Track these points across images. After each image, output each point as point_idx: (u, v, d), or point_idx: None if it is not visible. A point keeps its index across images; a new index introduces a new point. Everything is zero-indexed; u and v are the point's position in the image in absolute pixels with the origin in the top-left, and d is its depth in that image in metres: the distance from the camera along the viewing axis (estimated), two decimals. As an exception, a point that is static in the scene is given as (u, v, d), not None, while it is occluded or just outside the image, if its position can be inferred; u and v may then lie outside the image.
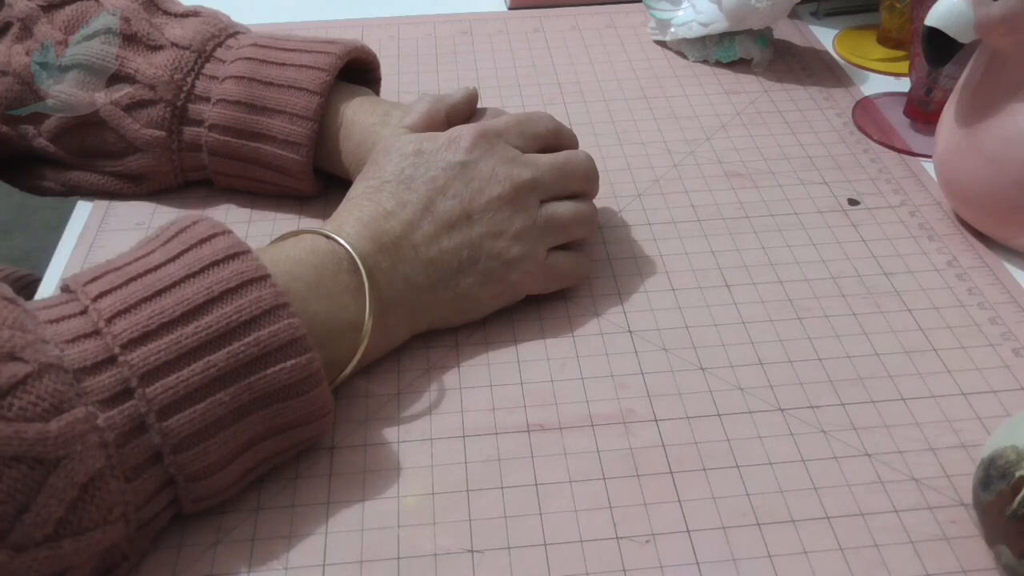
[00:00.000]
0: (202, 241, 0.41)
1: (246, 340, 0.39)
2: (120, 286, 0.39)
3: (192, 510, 0.40)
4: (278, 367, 0.39)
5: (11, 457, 0.33)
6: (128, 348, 0.37)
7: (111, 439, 0.36)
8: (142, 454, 0.37)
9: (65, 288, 0.40)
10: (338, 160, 0.57)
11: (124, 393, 0.37)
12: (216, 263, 0.40)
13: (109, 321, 0.37)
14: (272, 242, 0.47)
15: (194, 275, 0.39)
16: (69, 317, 0.38)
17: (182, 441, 0.37)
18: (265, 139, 0.56)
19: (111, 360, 0.37)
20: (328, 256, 0.44)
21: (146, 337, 0.37)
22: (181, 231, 0.42)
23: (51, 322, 0.38)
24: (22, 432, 0.34)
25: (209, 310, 0.39)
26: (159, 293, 0.39)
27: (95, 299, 0.38)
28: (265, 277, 0.40)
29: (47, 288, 0.53)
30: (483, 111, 0.55)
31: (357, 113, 0.56)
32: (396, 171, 0.48)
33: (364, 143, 0.55)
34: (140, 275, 0.39)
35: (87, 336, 0.37)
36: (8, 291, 0.38)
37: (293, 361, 0.39)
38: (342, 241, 0.45)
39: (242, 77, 0.56)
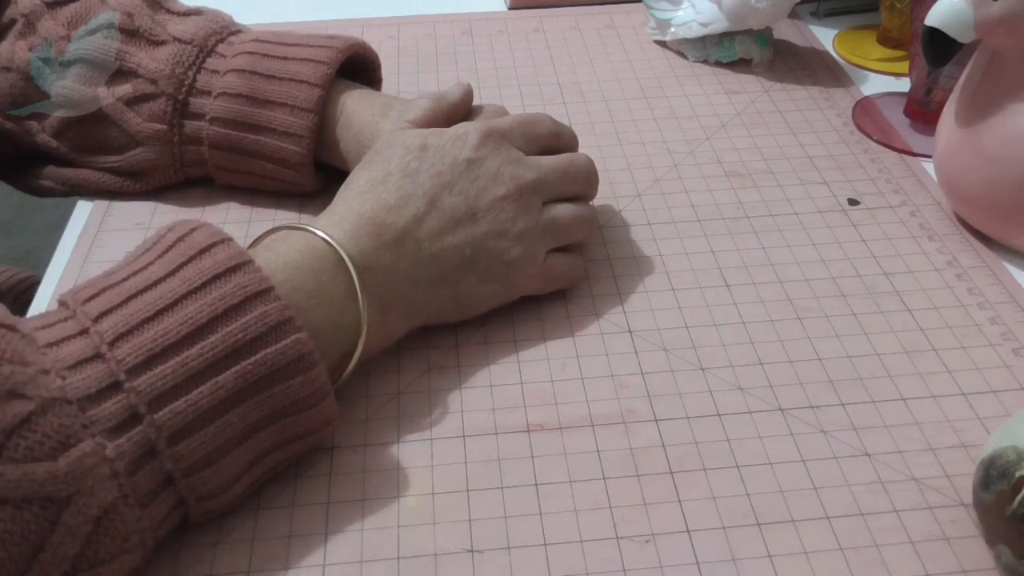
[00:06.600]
0: (201, 252, 0.40)
1: (254, 359, 0.38)
2: (120, 305, 0.38)
3: (200, 521, 0.40)
4: (286, 384, 0.39)
5: (21, 499, 0.33)
6: (133, 373, 0.36)
7: (121, 468, 0.35)
8: (154, 479, 0.37)
9: (63, 303, 0.39)
10: (336, 150, 0.57)
11: (132, 419, 0.36)
12: (218, 276, 0.39)
13: (112, 345, 0.37)
14: (266, 235, 0.45)
15: (196, 290, 0.38)
16: (69, 339, 0.37)
17: (194, 464, 0.37)
18: (266, 131, 0.56)
19: (116, 386, 0.36)
20: (326, 259, 0.44)
21: (151, 361, 0.37)
22: (179, 239, 0.41)
23: (50, 345, 0.37)
24: (31, 473, 0.33)
25: (214, 328, 0.38)
26: (161, 312, 0.38)
27: (96, 319, 0.37)
28: (269, 290, 0.39)
29: (47, 290, 0.53)
30: (480, 108, 0.55)
31: (357, 104, 0.57)
32: (401, 164, 0.48)
33: (363, 133, 0.55)
34: (140, 292, 0.38)
35: (89, 361, 0.36)
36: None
37: (301, 377, 0.39)
38: (336, 246, 0.44)
39: (243, 71, 0.56)
